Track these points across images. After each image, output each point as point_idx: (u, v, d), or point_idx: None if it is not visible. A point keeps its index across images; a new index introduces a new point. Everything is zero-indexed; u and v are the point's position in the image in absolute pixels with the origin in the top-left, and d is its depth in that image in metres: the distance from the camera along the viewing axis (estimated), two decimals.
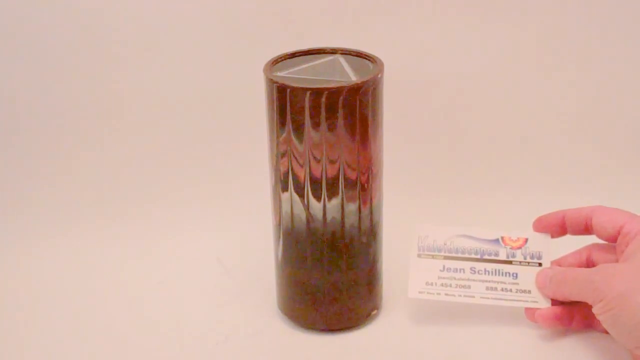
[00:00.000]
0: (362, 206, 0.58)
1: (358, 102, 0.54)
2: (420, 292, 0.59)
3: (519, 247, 0.61)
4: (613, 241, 0.57)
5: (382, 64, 0.57)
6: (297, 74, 0.57)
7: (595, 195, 0.77)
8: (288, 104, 0.54)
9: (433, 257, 0.60)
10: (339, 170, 0.56)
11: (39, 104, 0.79)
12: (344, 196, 0.57)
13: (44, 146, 0.80)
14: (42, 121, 0.79)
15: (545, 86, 0.80)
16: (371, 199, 0.59)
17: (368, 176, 0.57)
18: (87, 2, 0.77)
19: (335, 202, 0.57)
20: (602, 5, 0.78)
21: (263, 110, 0.57)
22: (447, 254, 0.60)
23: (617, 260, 0.56)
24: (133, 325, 0.63)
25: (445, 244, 0.61)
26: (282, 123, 0.55)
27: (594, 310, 0.52)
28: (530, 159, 0.81)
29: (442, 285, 0.59)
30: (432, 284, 0.60)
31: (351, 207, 0.57)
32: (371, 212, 0.59)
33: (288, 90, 0.54)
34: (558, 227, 0.60)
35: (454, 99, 0.80)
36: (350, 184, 0.56)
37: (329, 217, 0.57)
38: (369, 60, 0.58)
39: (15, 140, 0.80)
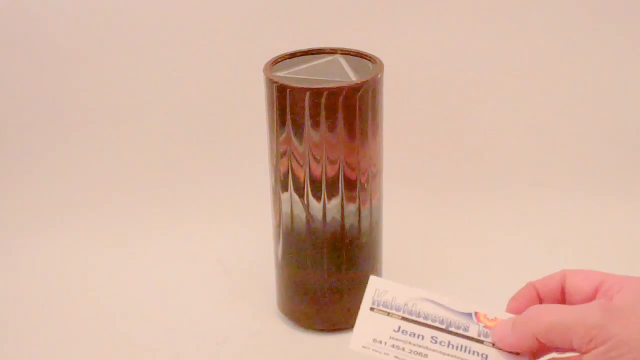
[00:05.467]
0: (362, 206, 0.58)
1: (358, 102, 0.54)
2: (364, 347, 0.51)
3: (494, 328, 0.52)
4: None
5: (382, 64, 0.57)
6: (297, 74, 0.57)
7: (597, 196, 0.78)
8: (288, 104, 0.54)
9: (389, 314, 0.52)
10: (339, 170, 0.56)
11: (37, 105, 0.79)
12: (344, 196, 0.57)
13: (45, 147, 0.80)
14: (42, 122, 0.79)
15: (546, 86, 0.80)
16: (371, 199, 0.59)
17: (368, 176, 0.57)
18: (87, 2, 0.77)
19: (335, 202, 0.57)
20: (602, 6, 0.78)
21: (263, 111, 0.57)
22: (406, 315, 0.52)
23: None
24: (133, 325, 0.63)
25: (406, 304, 0.52)
26: (282, 123, 0.55)
27: (586, 356, 0.44)
28: (531, 159, 0.81)
29: (392, 346, 0.51)
30: (380, 342, 0.51)
31: (351, 207, 0.57)
32: (371, 212, 0.59)
33: (288, 90, 0.54)
34: (533, 300, 0.52)
35: (453, 99, 0.80)
36: (350, 184, 0.56)
37: (328, 217, 0.57)
38: (368, 60, 0.58)
39: (16, 140, 0.80)
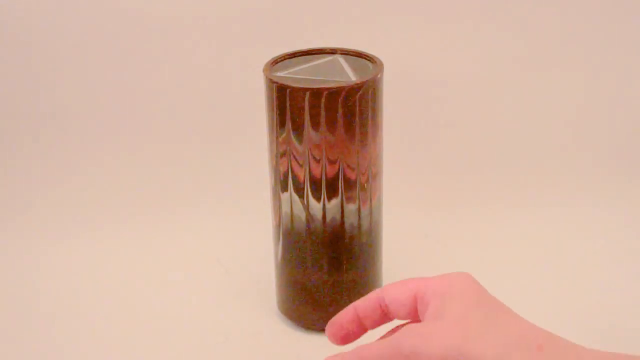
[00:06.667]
0: (361, 206, 0.58)
1: (358, 102, 0.54)
2: None
3: None
4: (414, 315, 0.47)
5: (381, 64, 0.57)
6: (296, 74, 0.57)
7: (599, 201, 0.78)
8: (288, 104, 0.54)
9: None
10: (339, 170, 0.56)
11: (40, 107, 0.79)
12: (344, 196, 0.57)
13: (45, 147, 0.80)
14: (42, 122, 0.79)
15: (546, 86, 0.80)
16: (371, 199, 0.59)
17: (368, 176, 0.57)
18: (88, 3, 0.77)
19: (335, 202, 0.57)
20: (603, 6, 0.78)
21: (263, 110, 0.57)
22: None
23: None
24: (133, 325, 0.63)
25: None
26: (281, 123, 0.55)
27: None
28: (531, 160, 0.81)
29: None
30: None
31: (351, 207, 0.57)
32: (371, 212, 0.59)
33: (288, 90, 0.54)
34: (354, 324, 0.49)
35: (453, 99, 0.80)
36: (349, 184, 0.56)
37: (328, 217, 0.57)
38: (368, 60, 0.58)
39: (17, 141, 0.80)
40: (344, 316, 0.49)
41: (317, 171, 0.56)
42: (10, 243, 0.75)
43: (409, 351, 0.42)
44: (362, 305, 0.49)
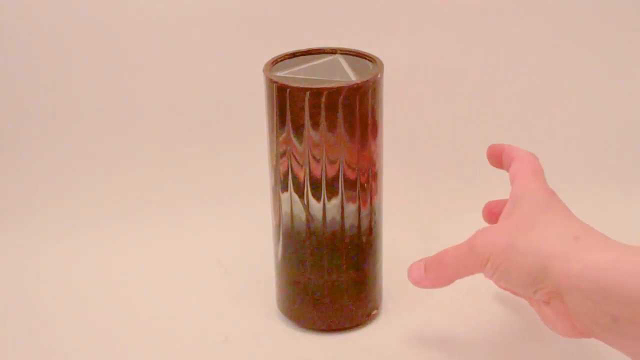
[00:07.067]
0: (362, 206, 0.58)
1: (358, 102, 0.54)
2: None
3: None
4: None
5: (381, 64, 0.57)
6: (296, 74, 0.57)
7: (599, 195, 0.78)
8: (288, 104, 0.54)
9: None
10: (339, 170, 0.56)
11: (40, 106, 0.79)
12: (344, 196, 0.57)
13: (45, 147, 0.80)
14: (43, 122, 0.79)
15: (547, 86, 0.80)
16: (371, 199, 0.59)
17: (368, 176, 0.57)
18: (88, 3, 0.77)
19: (335, 202, 0.57)
20: (603, 6, 0.78)
21: (263, 110, 0.57)
22: None
23: None
24: (133, 326, 0.63)
25: None
26: (281, 123, 0.55)
27: (486, 275, 0.51)
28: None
29: None
30: None
31: (351, 207, 0.57)
32: (371, 212, 0.59)
33: (288, 90, 0.54)
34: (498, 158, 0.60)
35: (454, 98, 0.80)
36: (350, 184, 0.56)
37: (328, 217, 0.57)
38: (368, 60, 0.58)
39: (16, 140, 0.80)
40: (496, 149, 0.60)
41: (317, 171, 0.56)
42: (11, 243, 0.75)
43: (476, 252, 0.50)
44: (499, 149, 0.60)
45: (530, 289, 0.49)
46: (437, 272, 0.54)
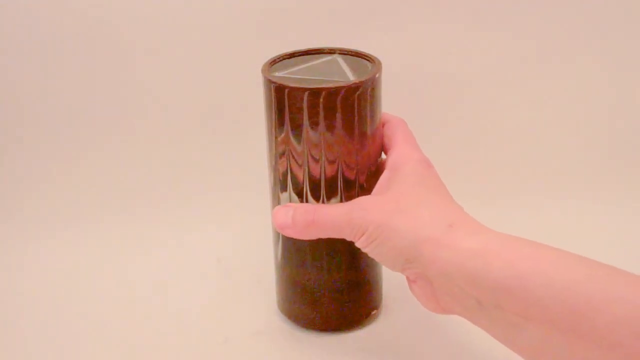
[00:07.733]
0: None
1: (356, 102, 0.54)
2: None
3: None
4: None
5: (380, 64, 0.57)
6: (295, 74, 0.57)
7: (601, 200, 0.77)
8: (286, 104, 0.54)
9: None
10: (338, 170, 0.56)
11: (39, 104, 0.79)
12: (343, 196, 0.57)
13: (45, 146, 0.80)
14: (42, 122, 0.80)
15: (547, 85, 0.80)
16: None
17: (367, 176, 0.57)
18: (88, 3, 0.77)
19: (334, 202, 0.57)
20: (603, 6, 0.77)
21: (261, 111, 0.57)
22: None
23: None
24: (133, 326, 0.63)
25: None
26: (280, 123, 0.55)
27: (358, 245, 0.53)
28: (532, 160, 0.81)
29: None
30: None
31: None
32: None
33: (286, 90, 0.54)
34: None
35: (452, 99, 0.80)
36: (349, 184, 0.56)
37: None
38: (367, 60, 0.58)
39: (16, 139, 0.80)
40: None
41: (316, 171, 0.56)
42: (10, 243, 0.75)
43: (353, 223, 0.52)
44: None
45: (398, 267, 0.51)
46: (307, 228, 0.54)
